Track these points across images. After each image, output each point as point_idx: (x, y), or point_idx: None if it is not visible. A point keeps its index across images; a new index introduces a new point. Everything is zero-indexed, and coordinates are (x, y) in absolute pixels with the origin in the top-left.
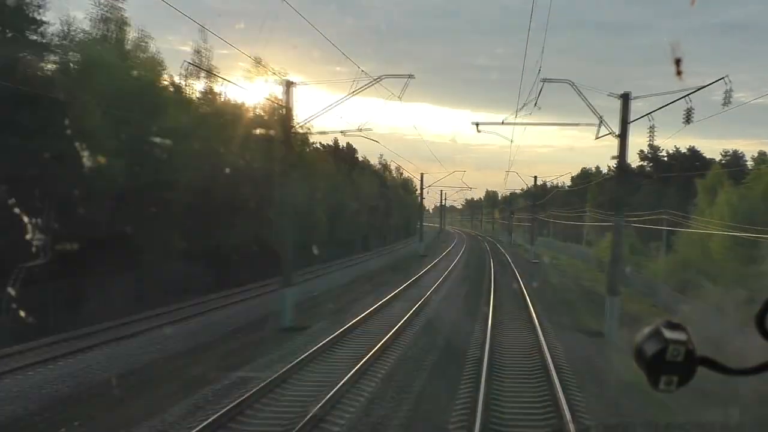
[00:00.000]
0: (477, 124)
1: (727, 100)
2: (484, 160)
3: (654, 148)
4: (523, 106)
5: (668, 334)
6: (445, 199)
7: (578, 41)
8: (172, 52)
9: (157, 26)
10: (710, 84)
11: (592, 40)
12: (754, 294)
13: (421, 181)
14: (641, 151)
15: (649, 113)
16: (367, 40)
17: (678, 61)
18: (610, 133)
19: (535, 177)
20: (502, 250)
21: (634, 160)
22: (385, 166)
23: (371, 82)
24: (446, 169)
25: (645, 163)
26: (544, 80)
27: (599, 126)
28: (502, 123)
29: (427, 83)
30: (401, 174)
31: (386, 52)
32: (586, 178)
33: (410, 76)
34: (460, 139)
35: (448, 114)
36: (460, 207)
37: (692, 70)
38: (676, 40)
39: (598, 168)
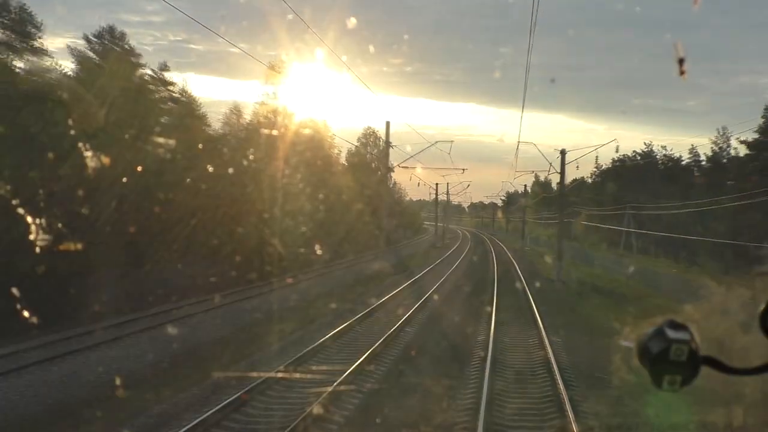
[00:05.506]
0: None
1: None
2: (529, 159)
3: None
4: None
5: (671, 333)
6: (449, 195)
7: (624, 39)
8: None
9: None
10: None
11: (640, 37)
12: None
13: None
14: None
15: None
16: (414, 39)
17: (681, 61)
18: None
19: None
20: None
21: None
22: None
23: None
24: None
25: None
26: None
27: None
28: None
29: (472, 84)
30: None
31: (434, 51)
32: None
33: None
34: (507, 139)
35: (494, 113)
36: (501, 204)
37: (746, 68)
38: (678, 41)
39: None
